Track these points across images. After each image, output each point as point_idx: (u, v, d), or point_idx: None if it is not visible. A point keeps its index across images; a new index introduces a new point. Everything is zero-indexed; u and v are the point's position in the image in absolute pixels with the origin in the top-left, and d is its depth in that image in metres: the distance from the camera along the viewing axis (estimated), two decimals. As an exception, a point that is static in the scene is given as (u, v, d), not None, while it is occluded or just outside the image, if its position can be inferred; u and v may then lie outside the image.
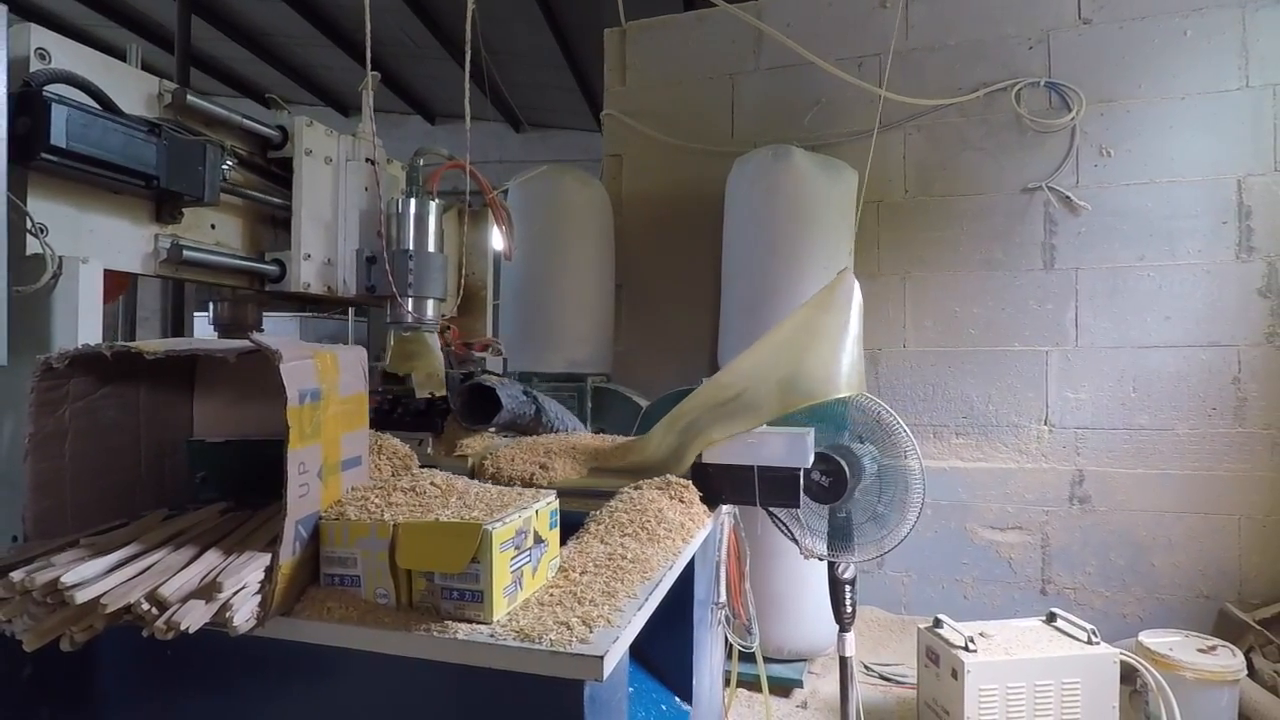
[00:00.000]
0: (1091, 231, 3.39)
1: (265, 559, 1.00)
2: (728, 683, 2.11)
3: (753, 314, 3.23)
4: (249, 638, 0.96)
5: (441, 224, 2.12)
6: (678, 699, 1.55)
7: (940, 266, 3.61)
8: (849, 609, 2.14)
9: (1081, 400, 3.40)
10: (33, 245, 1.40)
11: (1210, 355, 3.23)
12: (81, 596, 0.92)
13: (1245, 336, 3.19)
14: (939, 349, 3.61)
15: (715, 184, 3.63)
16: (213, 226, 1.83)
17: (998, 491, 3.50)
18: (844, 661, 2.18)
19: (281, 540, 0.98)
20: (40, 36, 1.41)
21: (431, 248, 2.06)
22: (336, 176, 2.02)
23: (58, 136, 1.34)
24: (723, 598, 1.75)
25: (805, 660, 3.18)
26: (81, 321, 1.43)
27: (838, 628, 2.17)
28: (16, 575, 0.94)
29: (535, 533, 1.09)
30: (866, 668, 3.16)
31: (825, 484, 1.83)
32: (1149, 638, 2.60)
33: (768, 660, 2.81)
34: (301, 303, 3.65)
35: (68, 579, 0.92)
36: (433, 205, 2.08)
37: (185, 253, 1.68)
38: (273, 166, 1.96)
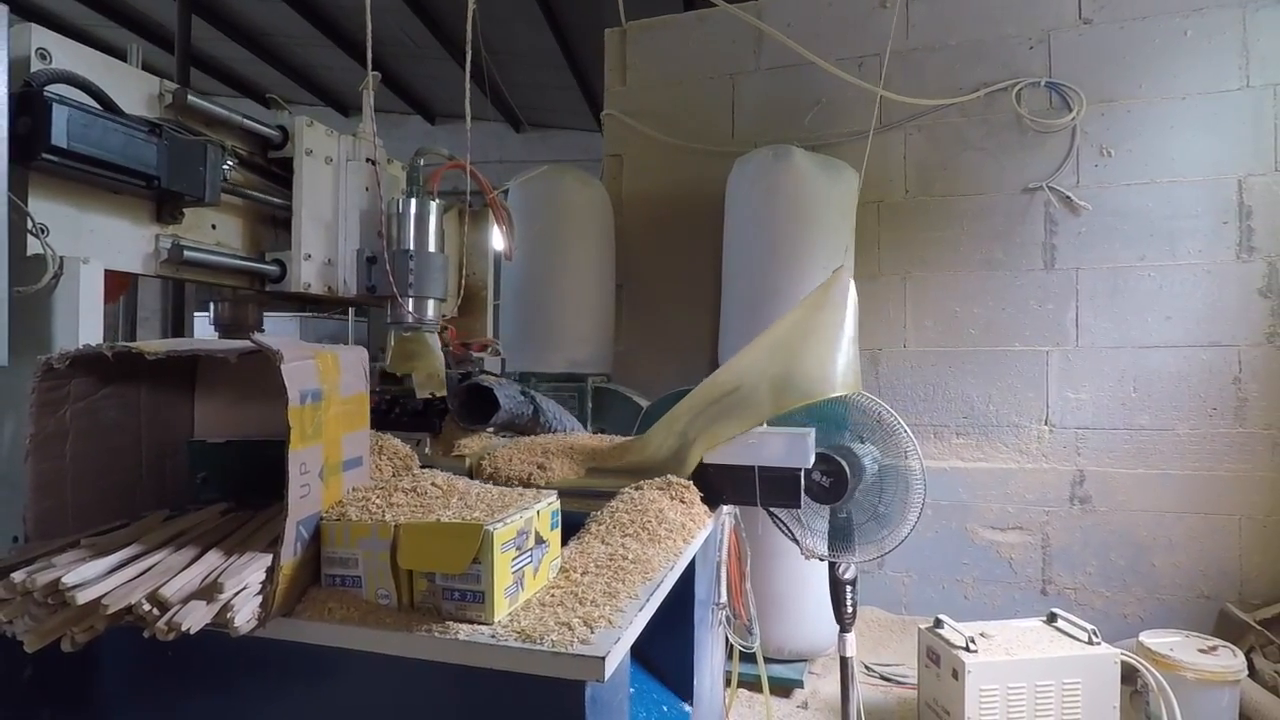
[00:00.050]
0: (1092, 231, 3.39)
1: (266, 559, 1.00)
2: (728, 683, 2.11)
3: (753, 314, 3.22)
4: (250, 638, 0.96)
5: (442, 224, 2.11)
6: (679, 699, 1.55)
7: (941, 266, 3.61)
8: (850, 609, 2.14)
9: (1082, 400, 3.40)
10: (33, 245, 1.39)
11: (1211, 355, 3.23)
12: (83, 597, 0.92)
13: (1246, 336, 3.19)
14: (939, 349, 3.61)
15: (715, 184, 3.63)
16: (213, 227, 1.82)
17: (998, 491, 3.50)
18: (844, 662, 2.18)
19: (283, 541, 0.98)
20: (41, 37, 1.41)
21: (432, 248, 2.06)
22: (337, 176, 2.02)
23: (58, 136, 1.33)
24: (723, 598, 1.75)
25: (806, 660, 3.18)
26: (82, 322, 1.42)
27: (838, 628, 2.17)
28: (17, 576, 0.94)
29: (536, 533, 1.09)
30: (867, 668, 3.16)
31: (826, 484, 1.83)
32: (1149, 638, 2.61)
33: (768, 660, 2.81)
34: (302, 303, 3.64)
35: (69, 580, 0.92)
36: (433, 205, 2.07)
37: (186, 253, 1.68)
38: (273, 166, 1.95)
